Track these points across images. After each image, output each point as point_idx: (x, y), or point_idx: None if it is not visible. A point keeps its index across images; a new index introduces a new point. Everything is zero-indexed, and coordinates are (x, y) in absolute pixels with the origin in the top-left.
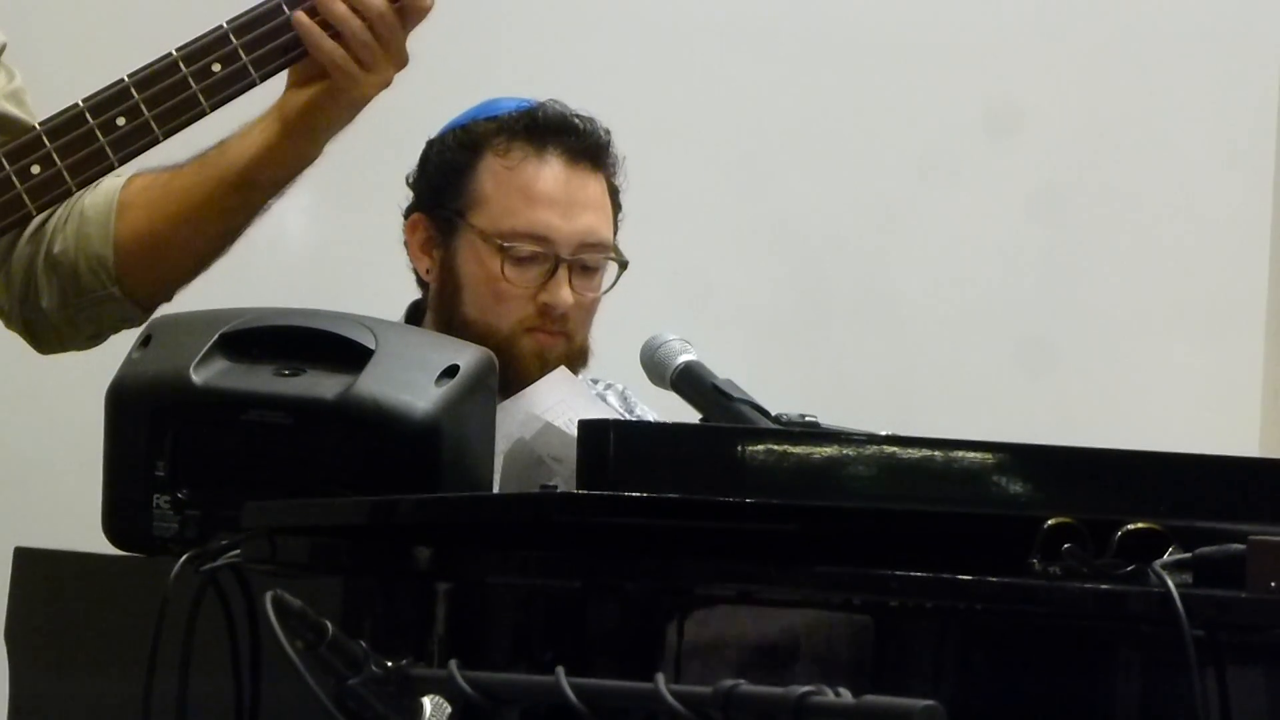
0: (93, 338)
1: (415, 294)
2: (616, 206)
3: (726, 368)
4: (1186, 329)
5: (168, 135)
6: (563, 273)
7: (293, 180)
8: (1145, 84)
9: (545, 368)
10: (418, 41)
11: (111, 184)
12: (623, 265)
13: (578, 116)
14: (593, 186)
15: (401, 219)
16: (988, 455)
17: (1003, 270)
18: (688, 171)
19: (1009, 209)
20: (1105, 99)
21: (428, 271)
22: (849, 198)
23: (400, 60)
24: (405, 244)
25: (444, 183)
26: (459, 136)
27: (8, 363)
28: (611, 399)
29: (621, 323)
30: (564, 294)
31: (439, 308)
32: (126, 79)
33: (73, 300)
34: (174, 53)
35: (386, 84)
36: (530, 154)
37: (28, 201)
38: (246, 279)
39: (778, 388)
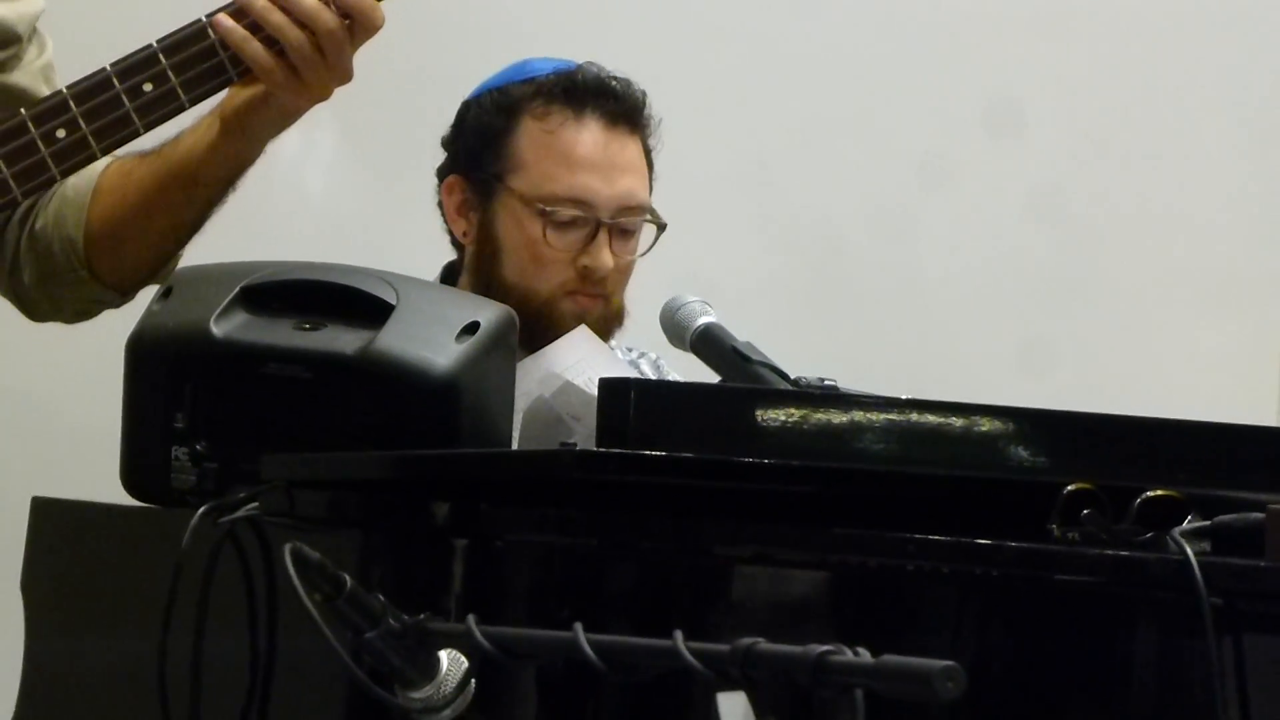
0: (77, 314)
1: (437, 252)
2: (651, 168)
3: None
4: (1202, 301)
5: (106, 152)
6: (603, 236)
7: (237, 178)
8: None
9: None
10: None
11: (95, 166)
12: (661, 227)
13: (615, 79)
14: (631, 149)
15: (435, 179)
16: (1007, 421)
17: (1004, 280)
18: (687, 172)
19: (1009, 214)
20: (1107, 106)
21: (464, 234)
22: (852, 195)
23: (344, 76)
24: (440, 205)
25: (481, 146)
26: (495, 99)
27: (21, 318)
28: (645, 367)
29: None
30: (605, 257)
31: (477, 270)
32: (64, 91)
33: (49, 278)
34: (108, 68)
35: (325, 98)
36: (569, 117)
37: (52, 166)
38: (269, 233)
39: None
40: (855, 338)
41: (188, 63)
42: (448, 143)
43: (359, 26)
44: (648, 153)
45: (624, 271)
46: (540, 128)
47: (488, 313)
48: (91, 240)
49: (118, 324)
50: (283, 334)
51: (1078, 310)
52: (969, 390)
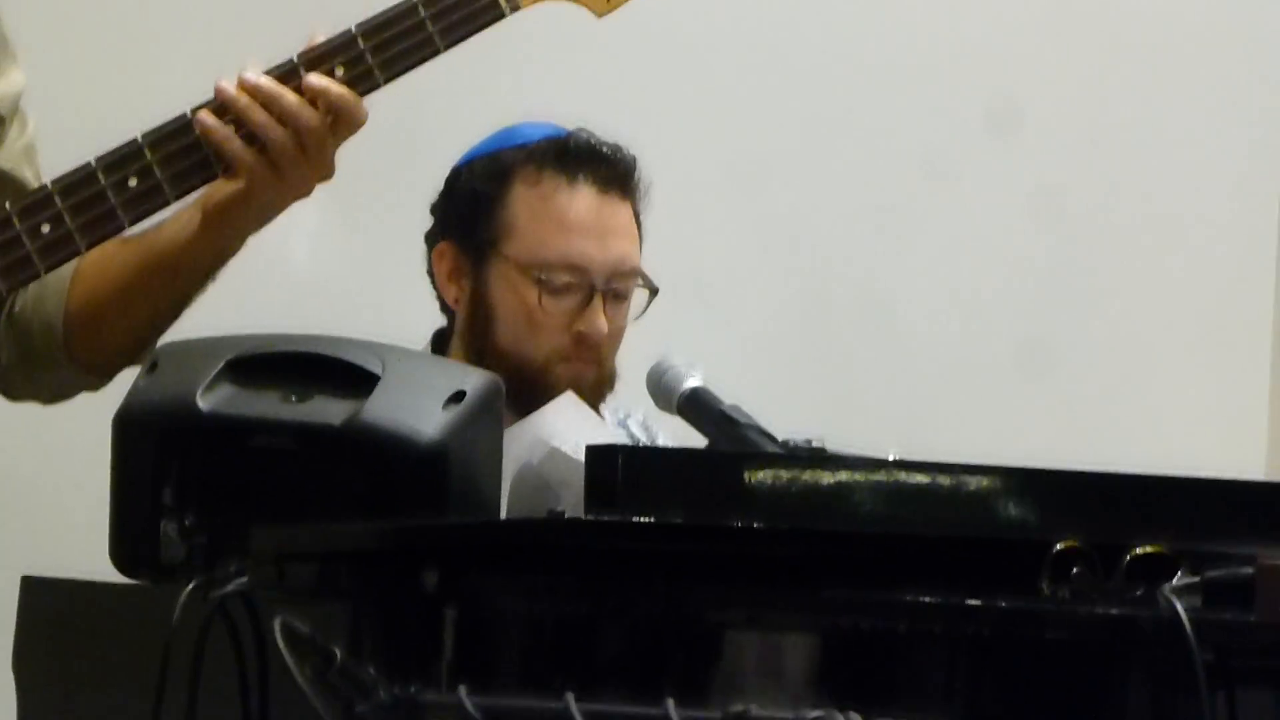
0: (54, 396)
1: (424, 319)
2: (641, 232)
3: (732, 371)
4: (1191, 346)
5: (90, 246)
6: (597, 301)
7: (217, 270)
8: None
9: (580, 395)
10: (429, 68)
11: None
12: (653, 291)
13: (606, 145)
14: (623, 214)
15: (424, 245)
16: (994, 479)
17: (1004, 281)
18: (687, 173)
19: (1010, 215)
20: (1107, 106)
21: (456, 300)
22: (850, 201)
23: (326, 173)
24: (430, 272)
25: (473, 212)
26: (487, 165)
27: None
28: (633, 427)
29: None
30: (600, 322)
31: (469, 336)
32: (49, 185)
33: (27, 360)
34: (93, 162)
35: (306, 195)
36: (562, 183)
37: (37, 261)
38: (254, 305)
39: (784, 391)
40: (857, 341)
41: (173, 157)
42: (437, 209)
43: (342, 124)
44: (638, 217)
45: (616, 336)
46: (533, 193)
47: (474, 380)
48: (71, 325)
49: (104, 400)
50: (269, 406)
51: (1080, 329)
52: (968, 397)
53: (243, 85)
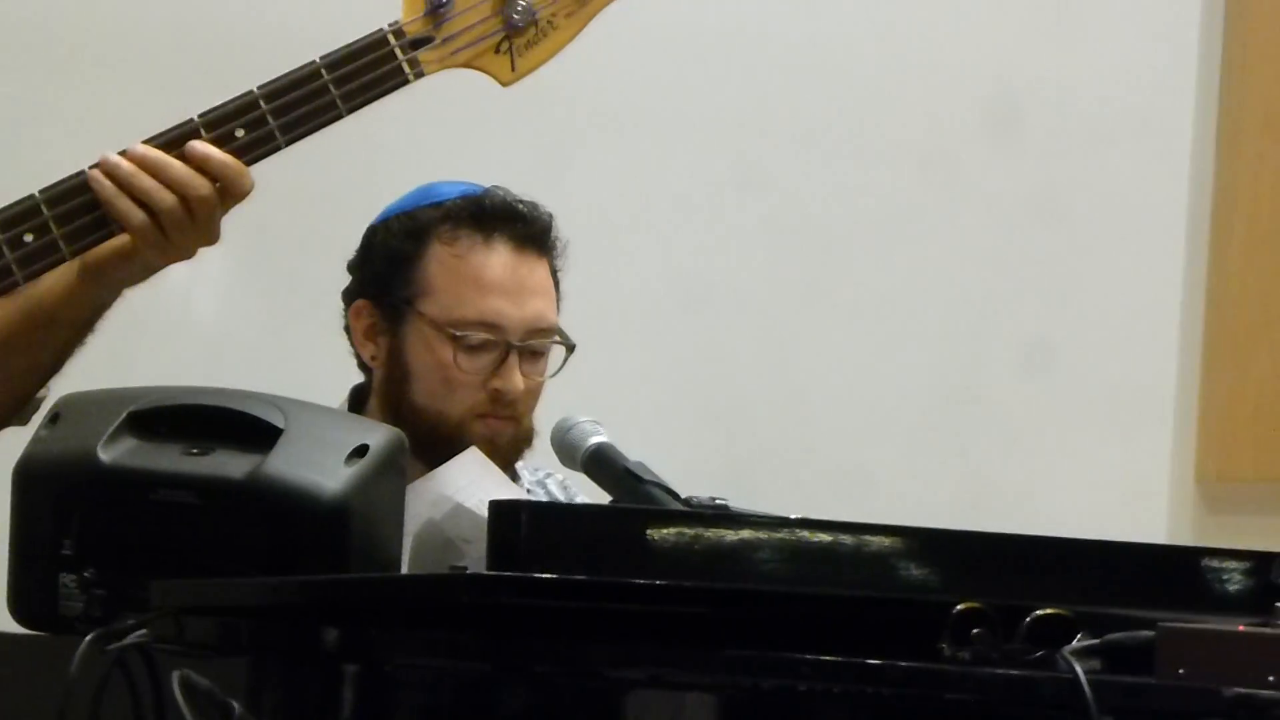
0: None
1: (328, 375)
2: (558, 289)
3: (637, 428)
4: (1094, 413)
5: None
6: (513, 359)
7: (95, 321)
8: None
9: (495, 453)
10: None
11: None
12: (570, 348)
13: (521, 202)
14: (539, 272)
15: (341, 303)
16: (897, 539)
17: (912, 341)
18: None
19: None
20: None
21: (373, 358)
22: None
23: (211, 238)
24: (347, 329)
25: (390, 270)
26: (403, 224)
27: None
28: (552, 487)
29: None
30: (515, 379)
31: (386, 394)
32: None
33: None
34: None
35: (188, 258)
36: (478, 242)
37: None
38: (156, 358)
39: (687, 449)
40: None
41: (70, 214)
42: (354, 267)
43: (228, 192)
44: (555, 274)
45: (534, 393)
46: (449, 252)
47: (377, 436)
48: None
49: (4, 449)
50: (170, 459)
51: (986, 377)
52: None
53: (129, 156)
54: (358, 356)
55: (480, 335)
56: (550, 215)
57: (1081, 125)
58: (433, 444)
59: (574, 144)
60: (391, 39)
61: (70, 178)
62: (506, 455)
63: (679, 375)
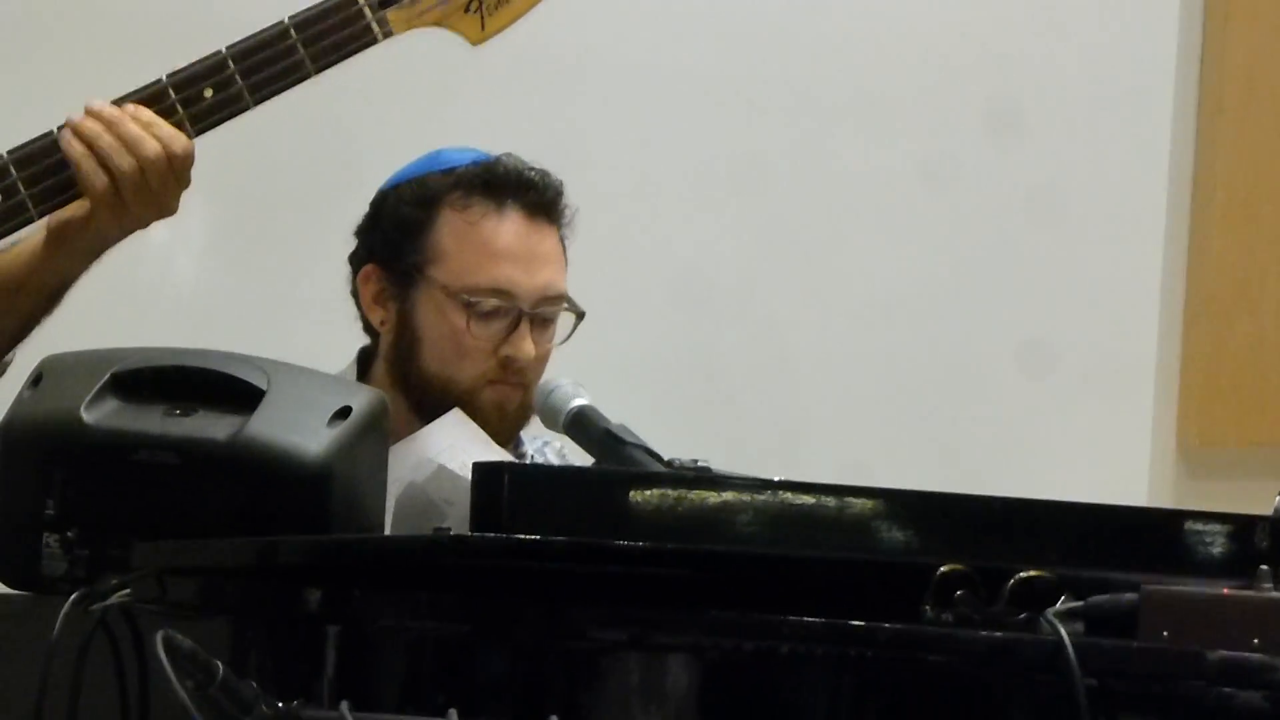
0: None
1: (310, 336)
2: (566, 257)
3: (620, 391)
4: (1077, 381)
5: None
6: (524, 326)
7: (61, 291)
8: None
9: (504, 419)
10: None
11: None
12: (579, 315)
13: (532, 170)
14: (550, 240)
15: (348, 266)
16: (879, 502)
17: (891, 309)
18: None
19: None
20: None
21: (382, 322)
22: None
23: (168, 209)
24: (355, 294)
25: (401, 236)
26: (414, 190)
27: None
28: (550, 455)
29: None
30: (526, 347)
31: (394, 359)
32: None
33: None
34: None
35: (143, 227)
36: (490, 209)
37: None
38: (139, 319)
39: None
40: (741, 359)
41: (39, 175)
42: (362, 231)
43: (170, 153)
44: (563, 242)
45: (542, 360)
46: (461, 219)
47: (360, 398)
48: None
49: None
50: (153, 421)
51: (972, 345)
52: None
53: (89, 110)
54: (364, 320)
55: (492, 302)
56: (560, 183)
57: (1063, 107)
58: (441, 409)
59: (571, 127)
60: None
61: (39, 138)
62: (515, 422)
63: (673, 370)
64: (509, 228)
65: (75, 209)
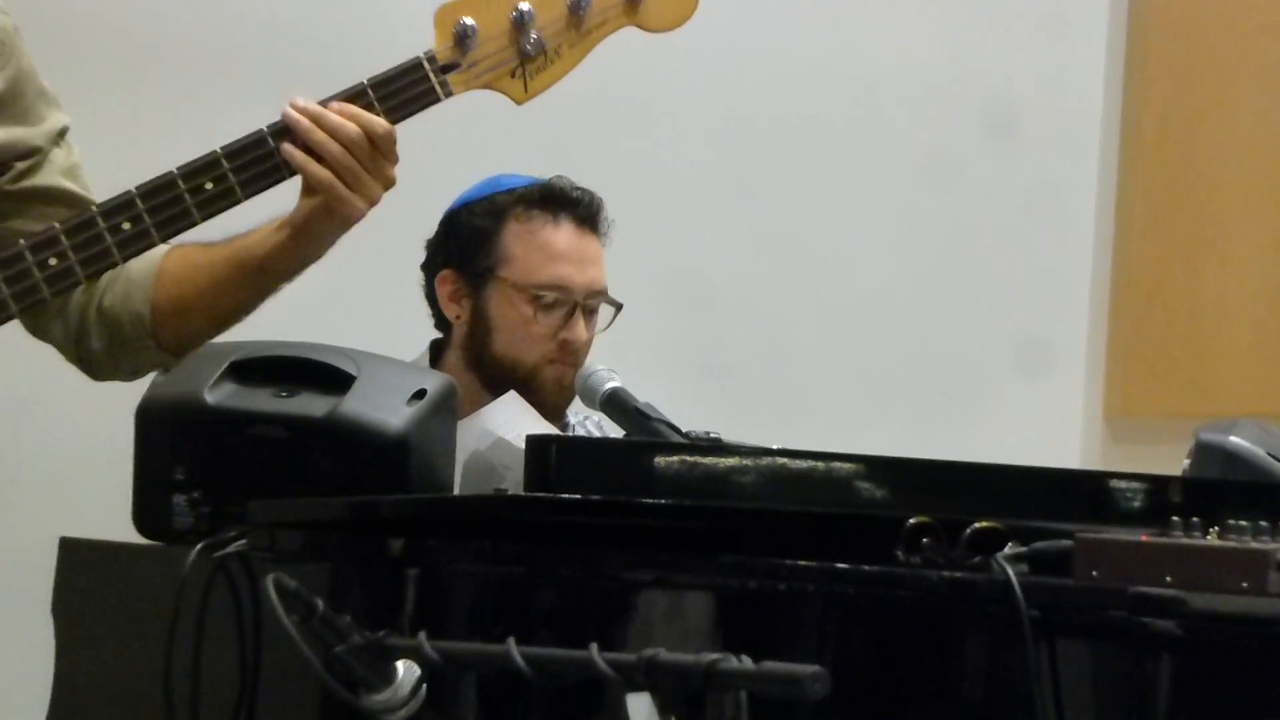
0: (132, 373)
1: (394, 331)
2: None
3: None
4: (1020, 364)
5: (164, 239)
6: (578, 314)
7: (299, 272)
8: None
9: (561, 392)
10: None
11: (157, 251)
12: (618, 307)
13: (580, 189)
14: (594, 245)
15: (421, 274)
16: (860, 466)
17: (869, 304)
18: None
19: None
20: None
21: (457, 317)
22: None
23: (385, 181)
24: (430, 295)
25: (473, 244)
26: (485, 206)
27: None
28: (590, 427)
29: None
30: (581, 330)
31: (469, 346)
32: (133, 190)
33: (116, 345)
34: (174, 171)
35: (374, 202)
36: (548, 220)
37: (115, 253)
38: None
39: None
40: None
41: (246, 165)
42: (435, 244)
43: (373, 138)
44: (602, 248)
45: (589, 344)
46: (524, 228)
47: (433, 382)
48: (159, 316)
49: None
50: (264, 401)
51: (929, 337)
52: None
53: (295, 107)
54: (436, 316)
55: (553, 295)
56: (601, 201)
57: (1014, 133)
58: (508, 386)
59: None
60: (426, 64)
61: (250, 135)
62: (568, 395)
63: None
64: (564, 234)
65: (313, 202)
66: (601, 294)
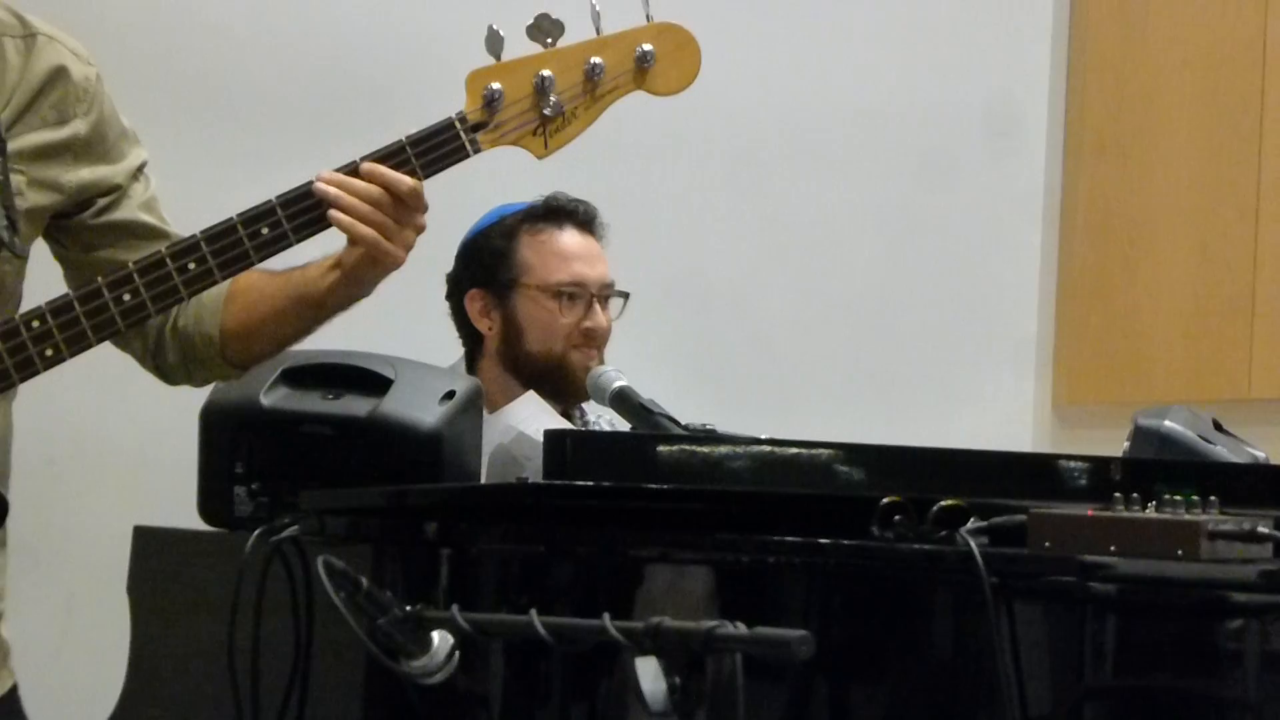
0: (204, 381)
1: (422, 343)
2: None
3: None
4: (976, 360)
5: (225, 278)
6: (596, 305)
7: (350, 306)
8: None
9: (588, 374)
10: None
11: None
12: (626, 297)
13: (576, 200)
14: (597, 246)
15: (447, 301)
16: (839, 452)
17: (843, 302)
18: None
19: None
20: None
21: (489, 329)
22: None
23: (416, 228)
24: (459, 312)
25: (494, 263)
26: (497, 229)
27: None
28: (604, 424)
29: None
30: (601, 318)
31: (504, 352)
32: (198, 235)
33: (190, 361)
34: (235, 218)
35: (409, 247)
36: (554, 228)
37: (182, 290)
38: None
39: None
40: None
41: (298, 214)
42: (457, 273)
43: (399, 194)
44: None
45: (608, 331)
46: (536, 239)
47: (462, 384)
48: (227, 338)
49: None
50: (313, 402)
51: (900, 334)
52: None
53: (321, 179)
54: (464, 330)
55: (572, 289)
56: (596, 209)
57: (970, 145)
58: (544, 378)
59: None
60: (458, 124)
61: (300, 187)
62: (580, 382)
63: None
64: (570, 238)
65: (358, 252)
66: (611, 286)
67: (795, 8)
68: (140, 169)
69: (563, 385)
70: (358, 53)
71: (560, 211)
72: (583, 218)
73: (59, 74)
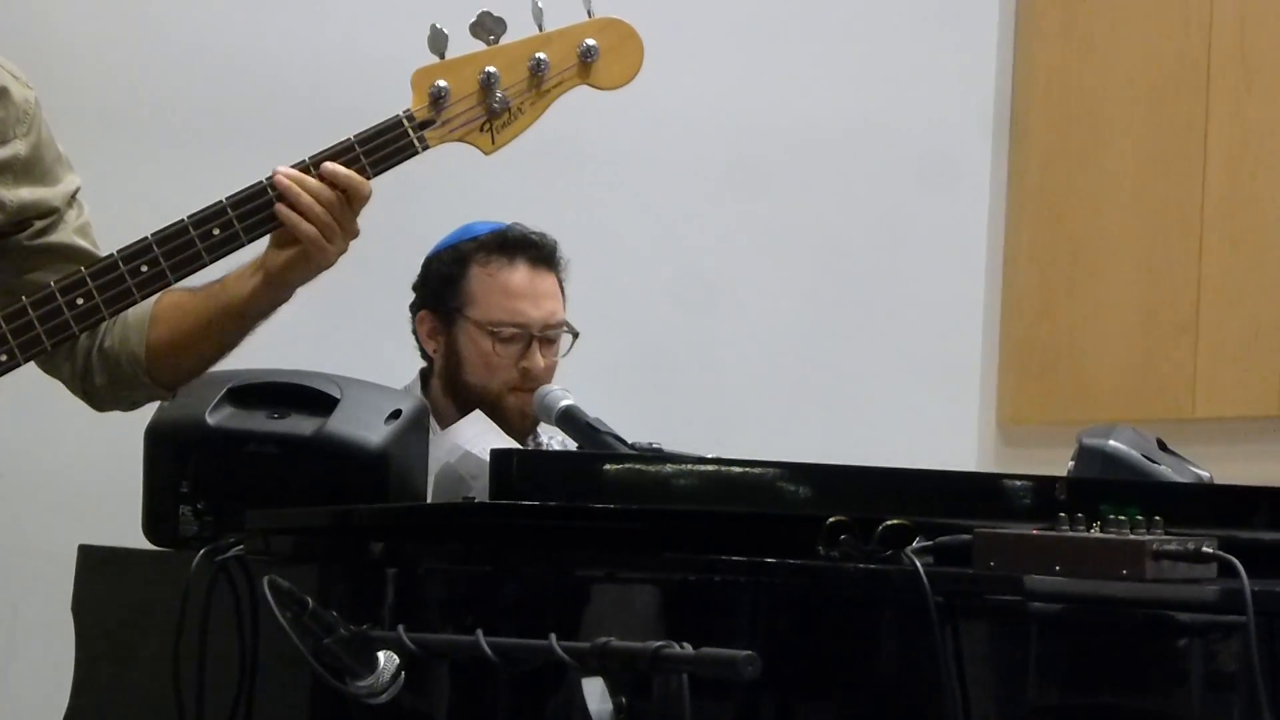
0: (130, 405)
1: (373, 358)
2: (564, 293)
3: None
4: (922, 380)
5: (178, 280)
6: (535, 345)
7: (271, 313)
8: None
9: (524, 419)
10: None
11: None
12: (575, 335)
13: (534, 234)
14: (549, 282)
15: (409, 313)
16: (784, 471)
17: (792, 328)
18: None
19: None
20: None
21: (435, 351)
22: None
23: (350, 233)
24: (414, 331)
25: (443, 288)
26: (451, 254)
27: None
28: (556, 445)
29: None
30: (537, 360)
31: (445, 376)
32: (150, 237)
33: (116, 382)
34: (185, 219)
35: (343, 252)
36: (505, 263)
37: (135, 293)
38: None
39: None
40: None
41: (249, 214)
42: (417, 287)
43: (352, 197)
44: (561, 283)
45: (550, 370)
46: (484, 272)
47: (408, 403)
48: (153, 356)
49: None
50: (259, 421)
51: (842, 352)
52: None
53: (280, 173)
54: (421, 348)
55: (510, 330)
56: (555, 242)
57: (907, 159)
58: (481, 407)
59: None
60: (405, 122)
61: (251, 187)
62: (531, 421)
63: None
64: (519, 276)
65: (290, 253)
66: (557, 326)
67: (739, 40)
68: (75, 194)
69: (500, 423)
70: (306, 71)
71: (514, 244)
72: (536, 253)
73: (0, 95)
